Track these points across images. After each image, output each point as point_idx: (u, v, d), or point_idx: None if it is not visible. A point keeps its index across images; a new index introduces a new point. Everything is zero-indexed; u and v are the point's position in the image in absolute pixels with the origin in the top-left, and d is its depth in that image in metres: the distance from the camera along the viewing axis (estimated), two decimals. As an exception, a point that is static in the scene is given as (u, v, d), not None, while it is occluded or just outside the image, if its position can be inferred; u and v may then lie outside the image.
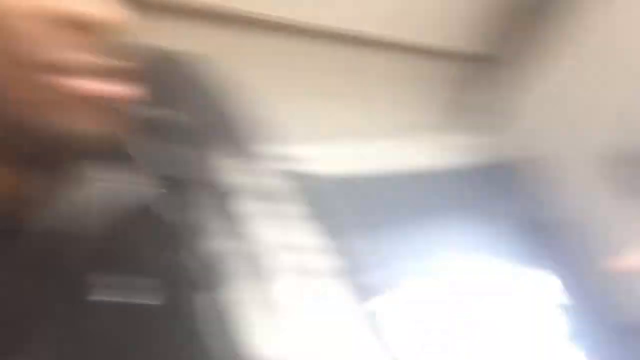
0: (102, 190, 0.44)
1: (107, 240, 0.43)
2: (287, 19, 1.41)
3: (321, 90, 1.56)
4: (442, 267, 1.59)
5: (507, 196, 1.84)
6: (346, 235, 0.51)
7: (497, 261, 1.74)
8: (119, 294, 0.41)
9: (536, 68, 1.84)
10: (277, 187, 0.46)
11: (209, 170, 0.45)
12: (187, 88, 0.49)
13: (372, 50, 1.67)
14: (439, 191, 1.71)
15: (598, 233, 1.80)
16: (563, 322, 1.77)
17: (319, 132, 1.47)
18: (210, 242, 0.44)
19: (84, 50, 0.37)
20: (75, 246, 0.42)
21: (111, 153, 0.43)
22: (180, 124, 0.47)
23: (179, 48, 0.52)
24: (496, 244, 1.75)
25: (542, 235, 1.84)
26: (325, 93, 1.57)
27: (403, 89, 1.83)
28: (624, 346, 1.74)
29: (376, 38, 1.63)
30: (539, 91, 1.82)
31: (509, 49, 1.89)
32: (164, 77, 0.49)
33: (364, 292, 0.52)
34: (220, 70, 0.51)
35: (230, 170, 0.45)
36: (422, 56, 1.84)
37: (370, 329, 0.49)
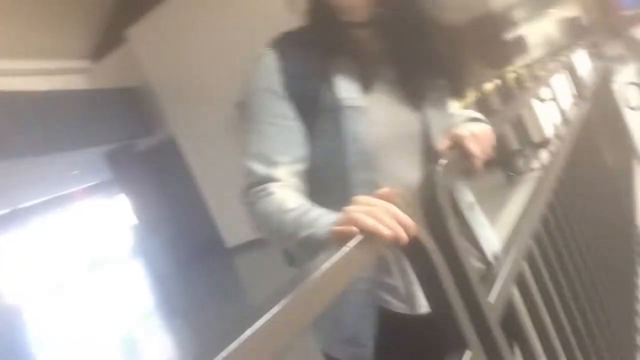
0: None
1: None
2: None
3: None
4: (29, 197, 1.60)
5: (108, 121, 1.89)
6: None
7: (86, 184, 1.80)
8: None
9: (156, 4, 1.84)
10: None
11: None
12: None
13: None
14: (40, 115, 1.67)
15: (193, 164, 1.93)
16: (133, 241, 1.92)
17: None
18: None
19: None
20: None
21: None
22: None
23: None
24: (89, 167, 1.80)
25: (131, 160, 1.94)
26: None
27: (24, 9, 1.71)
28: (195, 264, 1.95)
29: None
30: (154, 24, 1.85)
31: None
32: None
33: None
34: None
35: None
36: None
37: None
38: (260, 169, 1.06)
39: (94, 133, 1.91)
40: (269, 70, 1.11)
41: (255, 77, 1.13)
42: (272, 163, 1.06)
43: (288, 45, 1.13)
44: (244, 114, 1.12)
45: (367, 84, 1.11)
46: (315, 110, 1.09)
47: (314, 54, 1.11)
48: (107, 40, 2.17)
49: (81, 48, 1.98)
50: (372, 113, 1.10)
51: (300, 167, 1.08)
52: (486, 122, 1.22)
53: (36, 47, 1.74)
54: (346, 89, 1.09)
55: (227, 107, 2.47)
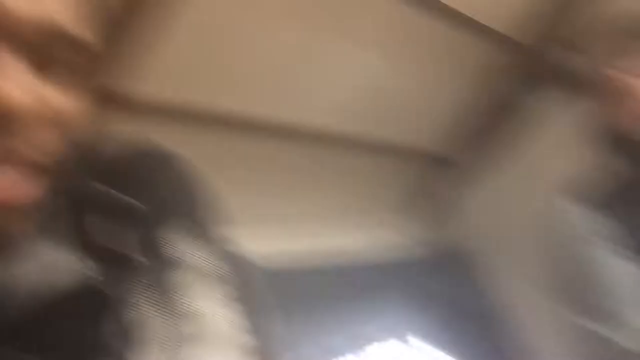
0: (30, 264, 0.42)
1: (33, 316, 0.41)
2: (249, 116, 1.46)
3: (280, 182, 1.64)
4: (378, 351, 1.62)
5: (444, 284, 1.89)
6: (270, 315, 0.54)
7: (427, 346, 1.78)
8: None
9: (483, 170, 1.98)
10: (215, 267, 0.49)
11: (150, 245, 0.47)
12: (144, 173, 0.51)
13: (330, 145, 1.73)
14: (381, 277, 1.73)
15: (522, 329, 1.89)
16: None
17: (277, 220, 1.58)
18: (137, 313, 0.45)
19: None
20: None
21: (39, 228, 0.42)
22: (134, 207, 0.48)
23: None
24: (423, 326, 1.78)
25: (470, 323, 1.89)
26: (282, 185, 1.65)
27: (361, 182, 1.90)
28: None
29: (334, 134, 1.70)
30: (483, 191, 1.95)
31: (461, 151, 2.06)
32: (125, 163, 0.51)
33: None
34: (181, 161, 0.54)
35: (172, 245, 0.48)
36: (380, 152, 1.90)
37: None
38: None
39: (419, 294, 1.60)
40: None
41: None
42: None
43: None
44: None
45: None
46: None
47: None
48: (426, 200, 1.84)
49: (400, 207, 1.82)
50: None
51: None
52: None
53: (354, 208, 1.64)
54: None
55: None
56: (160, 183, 0.51)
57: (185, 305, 0.46)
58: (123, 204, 0.48)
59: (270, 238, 1.44)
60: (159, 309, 0.45)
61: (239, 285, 0.50)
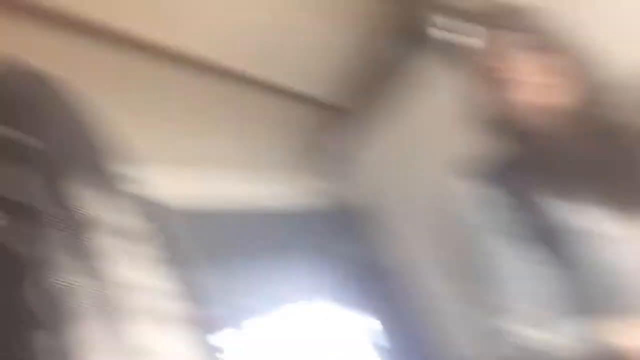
0: None
1: None
2: (152, 40, 1.29)
3: (178, 117, 1.50)
4: (280, 307, 1.57)
5: (343, 240, 1.85)
6: (192, 270, 0.50)
7: (328, 303, 1.75)
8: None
9: (378, 122, 1.93)
10: (132, 222, 0.45)
11: (62, 200, 0.42)
12: (39, 106, 0.43)
13: (236, 84, 1.62)
14: (282, 231, 1.66)
15: (420, 281, 1.87)
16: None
17: (172, 159, 1.41)
18: (58, 277, 0.41)
19: None
20: None
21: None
22: (31, 147, 0.42)
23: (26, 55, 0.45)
24: (330, 285, 1.75)
25: (371, 279, 1.85)
26: (182, 120, 1.51)
27: (259, 127, 1.79)
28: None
29: (241, 74, 1.58)
30: (379, 143, 1.91)
31: (358, 101, 1.98)
32: (13, 92, 0.43)
33: (208, 327, 0.52)
34: (73, 89, 0.46)
35: (86, 201, 0.42)
36: (281, 98, 1.81)
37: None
38: None
39: (321, 250, 1.42)
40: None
41: None
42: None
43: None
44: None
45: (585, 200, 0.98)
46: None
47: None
48: (328, 157, 1.62)
49: (295, 156, 1.61)
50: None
51: None
52: None
53: (248, 153, 1.46)
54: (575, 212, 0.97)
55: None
56: (51, 116, 0.43)
57: (112, 273, 0.42)
58: (18, 143, 0.41)
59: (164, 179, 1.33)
60: (83, 276, 0.41)
61: (160, 241, 0.46)
